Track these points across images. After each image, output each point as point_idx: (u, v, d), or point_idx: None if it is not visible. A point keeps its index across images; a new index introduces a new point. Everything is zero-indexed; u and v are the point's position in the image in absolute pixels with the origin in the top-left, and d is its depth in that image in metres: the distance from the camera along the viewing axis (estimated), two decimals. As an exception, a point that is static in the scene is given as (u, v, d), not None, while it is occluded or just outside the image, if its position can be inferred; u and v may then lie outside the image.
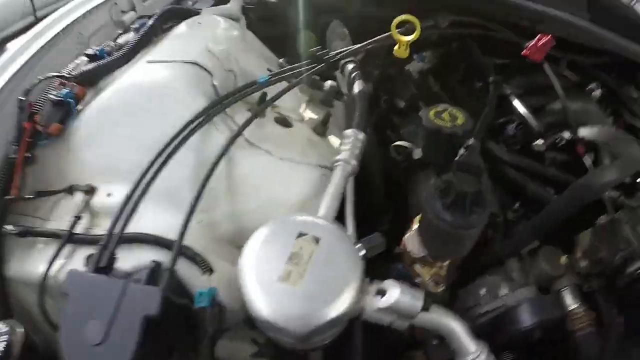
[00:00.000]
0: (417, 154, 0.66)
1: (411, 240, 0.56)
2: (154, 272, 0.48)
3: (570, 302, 0.62)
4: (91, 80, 0.69)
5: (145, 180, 0.53)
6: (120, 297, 0.43)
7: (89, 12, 0.84)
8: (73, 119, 0.64)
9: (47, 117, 0.64)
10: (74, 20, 0.81)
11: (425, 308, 0.44)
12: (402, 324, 0.45)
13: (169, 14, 0.80)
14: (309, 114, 0.70)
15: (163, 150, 0.54)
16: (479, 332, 0.57)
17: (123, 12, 0.92)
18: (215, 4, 0.88)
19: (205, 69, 0.62)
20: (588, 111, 0.80)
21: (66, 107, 0.65)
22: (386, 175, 0.70)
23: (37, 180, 0.64)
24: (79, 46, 0.82)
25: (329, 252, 0.44)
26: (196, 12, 0.80)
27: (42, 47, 0.75)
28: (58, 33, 0.77)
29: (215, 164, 0.54)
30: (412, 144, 0.67)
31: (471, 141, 0.63)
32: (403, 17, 0.68)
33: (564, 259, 0.65)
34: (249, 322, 0.52)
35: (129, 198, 0.52)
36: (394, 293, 0.43)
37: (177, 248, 0.48)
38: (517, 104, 0.75)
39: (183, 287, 0.50)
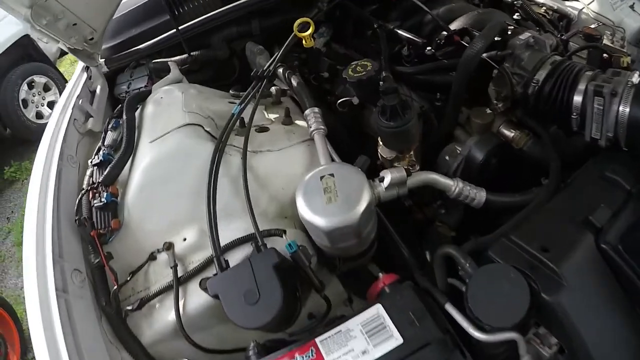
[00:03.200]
0: (355, 101, 1.08)
1: (382, 150, 0.99)
2: (258, 248, 0.85)
3: (508, 132, 1.04)
4: (113, 178, 1.03)
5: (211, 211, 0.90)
6: (251, 268, 0.79)
7: (64, 138, 1.17)
8: (122, 210, 1.00)
9: (102, 220, 0.99)
10: (61, 149, 1.12)
11: (408, 174, 0.86)
12: (403, 191, 0.87)
13: (132, 103, 1.16)
14: (273, 116, 1.11)
15: (209, 185, 0.92)
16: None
17: (84, 123, 1.26)
18: (149, 77, 1.25)
19: (196, 124, 1.01)
20: (452, 9, 1.27)
21: (112, 206, 1.00)
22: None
23: (122, 270, 0.95)
24: (74, 165, 1.15)
25: (342, 177, 0.85)
26: (149, 92, 1.16)
27: (56, 178, 1.05)
28: (59, 167, 1.08)
29: (245, 175, 0.93)
30: (348, 97, 1.09)
31: (383, 74, 1.06)
32: (299, 21, 1.10)
33: (488, 110, 1.11)
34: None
35: (211, 226, 0.88)
36: (387, 175, 0.85)
37: (258, 232, 0.86)
38: (400, 32, 1.19)
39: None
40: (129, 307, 0.92)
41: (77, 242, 0.99)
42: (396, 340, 0.79)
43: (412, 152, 1.00)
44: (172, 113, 1.05)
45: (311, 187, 0.85)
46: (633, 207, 0.84)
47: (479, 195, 0.92)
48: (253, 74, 1.08)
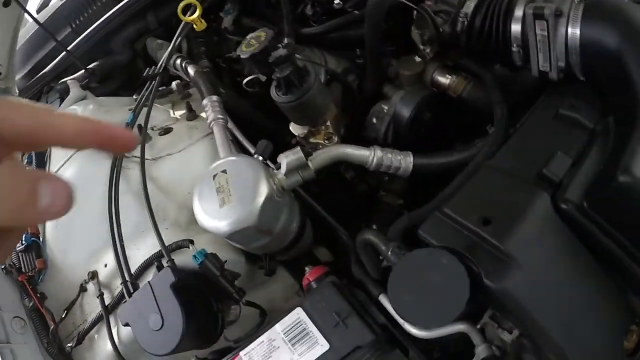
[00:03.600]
0: (263, 77, 0.93)
1: (293, 128, 0.84)
2: (159, 268, 0.76)
3: (443, 78, 0.84)
4: None
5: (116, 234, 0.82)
6: (152, 292, 0.70)
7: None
8: (45, 248, 0.92)
9: (28, 262, 0.90)
10: None
11: (307, 154, 0.70)
12: (309, 174, 0.70)
13: None
14: (179, 113, 0.99)
15: (110, 207, 0.83)
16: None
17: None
18: (61, 100, 1.17)
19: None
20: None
21: (35, 246, 0.91)
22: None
23: (59, 307, 0.89)
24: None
25: (236, 172, 0.69)
26: None
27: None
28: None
29: (145, 187, 0.83)
30: (255, 74, 0.95)
31: (286, 41, 0.91)
32: (182, 4, 0.97)
33: (417, 58, 0.89)
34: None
35: (116, 252, 0.81)
36: (282, 160, 0.69)
37: (164, 248, 0.76)
38: None
39: (184, 268, 0.75)
40: (70, 344, 0.85)
41: (11, 287, 0.92)
42: (322, 346, 0.66)
43: (328, 123, 0.86)
44: None
45: (204, 189, 0.70)
46: (598, 150, 0.62)
47: (405, 161, 0.72)
48: (145, 74, 0.97)
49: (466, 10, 0.77)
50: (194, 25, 0.94)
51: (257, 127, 0.94)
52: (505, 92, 0.80)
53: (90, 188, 0.87)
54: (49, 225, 0.91)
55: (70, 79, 1.11)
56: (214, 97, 0.87)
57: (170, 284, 0.67)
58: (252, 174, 0.70)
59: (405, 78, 0.88)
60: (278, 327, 0.69)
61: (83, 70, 1.09)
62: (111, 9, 1.10)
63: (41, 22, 1.12)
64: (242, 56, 0.85)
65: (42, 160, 1.02)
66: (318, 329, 0.67)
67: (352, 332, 0.65)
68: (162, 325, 0.68)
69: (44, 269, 0.90)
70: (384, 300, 0.68)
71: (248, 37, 0.88)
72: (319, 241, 0.89)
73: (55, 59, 1.14)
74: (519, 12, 0.71)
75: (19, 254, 0.91)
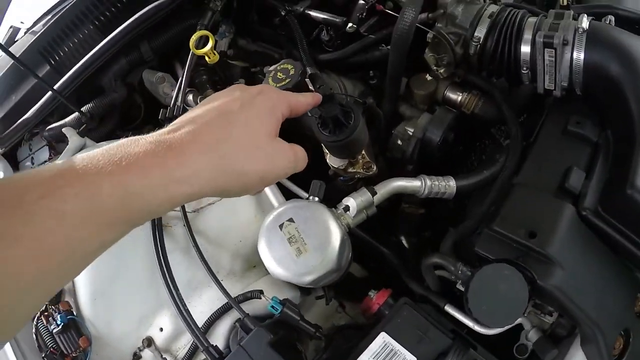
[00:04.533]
0: None
1: (331, 160, 0.86)
2: (243, 326, 0.75)
3: (455, 95, 0.92)
4: (56, 295, 0.85)
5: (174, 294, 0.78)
6: (248, 355, 0.68)
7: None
8: (84, 323, 0.83)
9: (69, 344, 0.81)
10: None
11: (373, 193, 0.75)
12: (372, 211, 0.76)
13: None
14: None
15: (161, 266, 0.78)
16: (417, 171, 0.90)
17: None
18: (49, 147, 1.01)
19: None
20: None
21: (73, 324, 0.83)
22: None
23: None
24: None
25: (304, 219, 0.72)
26: None
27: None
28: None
29: (195, 244, 0.79)
30: None
31: (309, 71, 0.89)
32: (194, 37, 0.88)
33: (428, 76, 0.93)
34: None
35: (180, 310, 0.77)
36: (351, 203, 0.74)
37: (233, 302, 0.76)
38: (314, 14, 0.97)
39: (260, 317, 0.77)
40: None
41: None
42: (411, 360, 0.76)
43: (363, 152, 0.88)
44: None
45: (274, 242, 0.72)
46: (603, 161, 0.76)
47: (449, 186, 0.81)
48: (161, 116, 0.88)
49: (478, 34, 0.83)
50: (207, 58, 0.87)
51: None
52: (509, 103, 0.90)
53: (126, 252, 0.80)
54: (84, 299, 0.83)
55: (62, 125, 0.95)
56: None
57: (267, 342, 0.68)
58: (321, 219, 0.73)
59: (419, 97, 0.94)
60: (367, 353, 0.74)
61: (76, 114, 0.94)
62: (95, 41, 0.95)
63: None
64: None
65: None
66: (404, 346, 0.74)
67: (433, 342, 0.74)
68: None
69: (89, 345, 0.83)
70: (450, 309, 0.77)
71: (272, 68, 0.85)
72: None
73: (35, 101, 0.96)
74: (527, 36, 0.80)
75: (57, 335, 0.82)
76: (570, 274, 0.71)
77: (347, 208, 0.74)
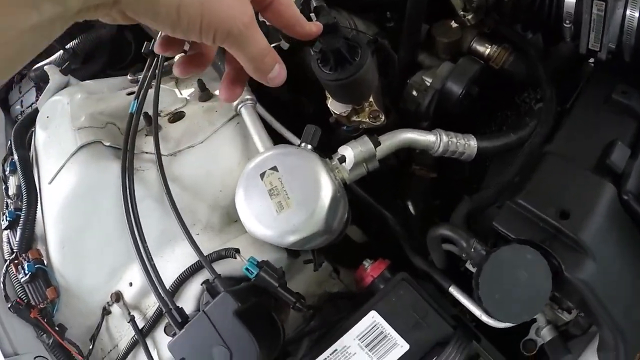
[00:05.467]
0: (285, 45, 0.76)
1: (333, 106, 0.71)
2: (211, 289, 0.64)
3: (483, 48, 0.76)
4: (28, 242, 0.76)
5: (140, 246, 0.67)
6: (210, 322, 0.59)
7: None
8: (53, 274, 0.74)
9: (37, 294, 0.73)
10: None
11: (376, 144, 0.60)
12: (374, 165, 0.62)
13: (20, 134, 0.83)
14: (188, 91, 0.79)
15: (129, 215, 0.67)
16: (434, 124, 0.75)
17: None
18: (37, 88, 0.90)
19: (92, 142, 0.71)
20: None
21: (41, 273, 0.74)
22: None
23: (82, 335, 0.74)
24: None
25: (289, 169, 0.58)
26: (36, 112, 0.80)
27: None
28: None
29: (168, 189, 0.67)
30: (276, 42, 0.77)
31: (314, 2, 0.74)
32: None
33: (452, 23, 0.77)
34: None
35: (145, 267, 0.66)
36: (348, 153, 0.59)
37: (204, 260, 0.64)
38: None
39: (234, 278, 0.67)
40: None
41: (24, 326, 0.75)
42: (402, 347, 0.62)
43: (371, 99, 0.73)
44: (61, 137, 0.73)
45: (253, 193, 0.59)
46: None
47: (469, 145, 0.65)
48: (145, 49, 0.71)
49: None
50: None
51: (279, 102, 0.78)
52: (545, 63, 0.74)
53: (97, 199, 0.69)
54: (53, 245, 0.72)
55: (47, 64, 0.83)
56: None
57: (233, 311, 0.55)
58: (311, 170, 0.59)
59: (442, 46, 0.78)
60: (352, 332, 0.62)
61: (61, 51, 0.82)
62: None
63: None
64: (267, 24, 0.67)
65: (29, 170, 0.78)
66: (396, 330, 0.61)
67: (431, 329, 0.61)
68: (231, 357, 0.57)
69: (57, 297, 0.74)
70: (454, 291, 0.63)
71: (272, -1, 0.69)
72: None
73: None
74: (575, -14, 0.63)
75: (25, 285, 0.73)
76: (603, 269, 0.57)
77: (343, 159, 0.60)
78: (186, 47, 0.42)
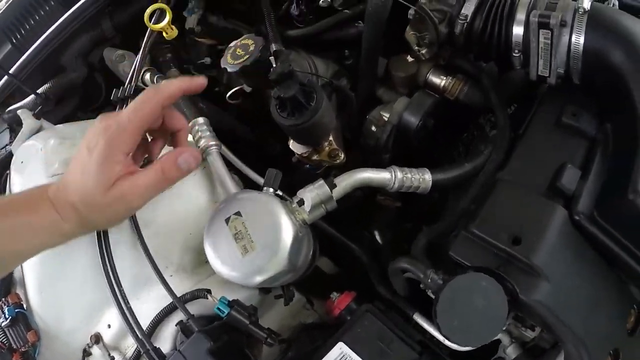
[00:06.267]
0: (247, 88, 0.78)
1: (294, 146, 0.72)
2: (186, 329, 0.64)
3: (438, 79, 0.77)
4: (7, 286, 0.75)
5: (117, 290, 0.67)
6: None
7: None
8: (33, 317, 0.73)
9: (18, 338, 0.72)
10: None
11: (332, 187, 0.60)
12: (332, 205, 0.62)
13: None
14: None
15: (104, 260, 0.67)
16: (395, 156, 0.76)
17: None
18: (10, 130, 0.90)
19: None
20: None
21: (22, 317, 0.73)
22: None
23: None
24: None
25: (252, 214, 0.59)
26: (10, 156, 0.80)
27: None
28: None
29: (140, 236, 0.68)
30: (239, 85, 0.78)
31: (273, 47, 0.75)
32: (149, 10, 0.74)
33: (409, 57, 0.78)
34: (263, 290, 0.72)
35: (122, 310, 0.66)
36: (306, 196, 0.60)
37: (178, 302, 0.64)
38: None
39: (207, 318, 0.65)
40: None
41: None
42: (371, 375, 0.63)
43: (330, 139, 0.75)
44: (36, 183, 0.70)
45: (219, 238, 0.59)
46: (601, 159, 0.61)
47: (424, 180, 0.66)
48: (113, 96, 0.73)
49: (465, 11, 0.68)
50: (164, 34, 0.73)
51: (241, 141, 0.79)
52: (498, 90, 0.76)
53: (72, 243, 0.67)
54: (32, 290, 0.72)
55: (19, 107, 0.84)
56: (201, 120, 0.71)
57: (206, 350, 0.56)
58: (272, 214, 0.60)
59: (399, 80, 0.79)
60: (322, 364, 0.62)
61: (33, 96, 0.82)
62: (57, 18, 0.82)
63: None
64: (229, 69, 0.69)
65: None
66: (363, 359, 0.61)
67: (397, 356, 0.62)
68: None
69: (37, 340, 0.73)
70: (418, 318, 0.64)
71: (232, 45, 0.72)
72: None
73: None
74: (520, 16, 0.65)
75: (6, 329, 0.72)
76: (557, 288, 0.58)
77: (302, 202, 0.61)
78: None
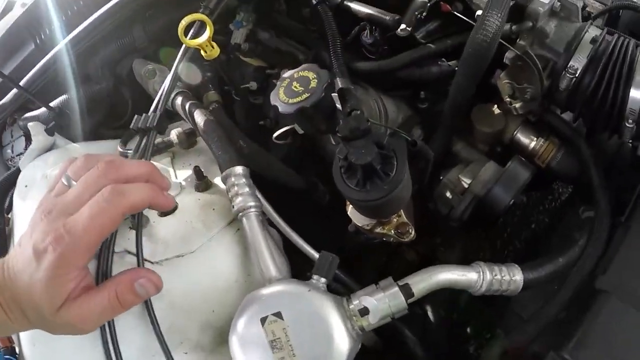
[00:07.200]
0: (300, 130, 0.61)
1: (353, 214, 0.55)
2: None
3: (528, 140, 0.62)
4: None
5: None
6: None
7: None
8: None
9: None
10: None
11: (408, 295, 0.45)
12: (402, 313, 0.47)
13: None
14: (184, 174, 0.63)
15: (102, 328, 0.53)
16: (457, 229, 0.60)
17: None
18: (26, 137, 0.75)
19: None
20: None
21: None
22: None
23: None
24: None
25: (296, 316, 0.44)
26: (17, 174, 0.67)
27: None
28: None
29: (150, 308, 0.53)
30: (289, 125, 0.61)
31: (339, 84, 0.57)
32: (187, 20, 0.56)
33: (495, 108, 0.63)
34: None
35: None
36: (371, 305, 0.44)
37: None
38: (355, 6, 0.63)
39: None
40: None
41: None
42: None
43: (401, 211, 0.58)
44: None
45: (251, 341, 0.44)
46: None
47: (515, 282, 0.51)
48: (133, 124, 0.57)
49: (575, 64, 0.51)
50: (202, 52, 0.56)
51: (284, 187, 0.63)
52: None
53: None
54: (25, 342, 0.59)
55: (31, 119, 0.70)
56: (239, 170, 0.54)
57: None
58: (323, 322, 0.45)
59: (481, 135, 0.62)
60: None
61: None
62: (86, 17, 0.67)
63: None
64: (281, 109, 0.53)
65: (4, 243, 0.67)
66: None
67: None
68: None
69: None
70: None
71: (287, 75, 0.55)
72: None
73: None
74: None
75: None
76: None
77: (365, 311, 0.45)
78: None
